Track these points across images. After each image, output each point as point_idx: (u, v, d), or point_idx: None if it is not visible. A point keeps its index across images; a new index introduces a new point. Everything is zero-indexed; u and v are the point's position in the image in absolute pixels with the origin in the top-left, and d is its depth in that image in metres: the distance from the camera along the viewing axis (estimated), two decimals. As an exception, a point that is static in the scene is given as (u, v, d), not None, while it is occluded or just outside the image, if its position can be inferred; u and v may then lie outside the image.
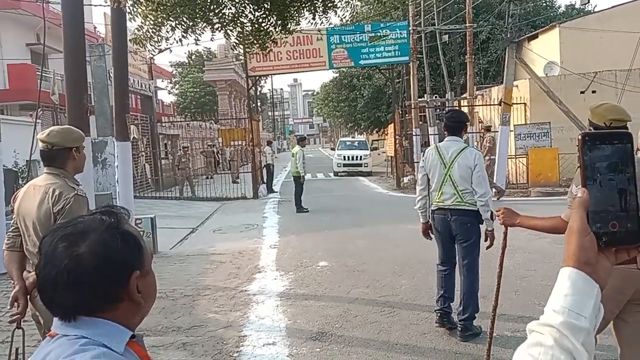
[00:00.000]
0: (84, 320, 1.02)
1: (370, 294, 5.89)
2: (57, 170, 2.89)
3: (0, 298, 6.13)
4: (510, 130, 14.51)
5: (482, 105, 18.24)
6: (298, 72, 20.81)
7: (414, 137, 18.33)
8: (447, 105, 19.90)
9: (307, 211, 12.62)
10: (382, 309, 5.35)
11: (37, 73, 18.87)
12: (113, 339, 1.02)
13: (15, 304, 2.79)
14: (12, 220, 3.00)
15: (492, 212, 4.36)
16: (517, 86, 15.41)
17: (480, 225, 4.51)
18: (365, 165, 24.37)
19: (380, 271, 6.77)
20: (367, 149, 26.28)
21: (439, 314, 4.69)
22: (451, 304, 4.68)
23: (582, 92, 15.13)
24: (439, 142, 5.09)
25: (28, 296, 2.81)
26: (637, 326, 2.80)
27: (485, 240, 4.53)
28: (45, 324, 2.77)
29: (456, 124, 4.66)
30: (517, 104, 15.23)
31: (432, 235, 4.78)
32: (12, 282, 2.90)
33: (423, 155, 4.88)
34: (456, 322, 4.59)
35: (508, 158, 14.62)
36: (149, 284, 1.12)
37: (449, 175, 4.48)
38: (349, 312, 5.28)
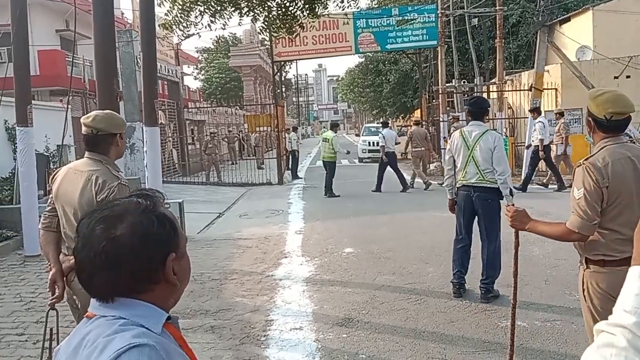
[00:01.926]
0: (121, 301, 1.04)
1: (396, 281, 5.86)
2: (99, 156, 2.85)
3: (34, 280, 6.30)
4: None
5: (512, 90, 17.87)
6: (324, 57, 20.63)
7: (441, 123, 18.09)
8: (475, 90, 19.57)
9: (338, 196, 12.72)
10: (409, 296, 5.33)
11: (67, 59, 19.19)
12: (150, 320, 1.04)
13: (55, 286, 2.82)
14: (49, 200, 3.00)
15: (510, 189, 4.91)
16: (548, 71, 15.03)
17: (500, 200, 4.97)
18: (391, 151, 24.17)
19: (407, 258, 6.73)
20: (393, 135, 26.02)
21: (456, 287, 5.17)
22: (464, 275, 5.21)
23: (615, 78, 14.66)
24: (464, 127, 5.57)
25: (65, 279, 2.83)
26: None
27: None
28: (82, 308, 2.78)
29: (479, 109, 5.17)
30: (548, 89, 14.86)
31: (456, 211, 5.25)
32: (48, 263, 2.93)
33: (450, 138, 5.43)
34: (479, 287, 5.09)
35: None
36: (184, 266, 1.13)
37: (472, 157, 4.96)
38: (375, 299, 5.27)
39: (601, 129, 2.57)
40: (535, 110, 12.55)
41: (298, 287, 5.87)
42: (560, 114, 12.62)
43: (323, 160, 13.33)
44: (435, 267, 6.27)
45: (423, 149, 13.86)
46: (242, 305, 5.25)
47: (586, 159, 2.55)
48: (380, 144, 13.56)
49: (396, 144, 13.86)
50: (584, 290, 2.61)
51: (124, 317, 1.01)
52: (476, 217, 5.12)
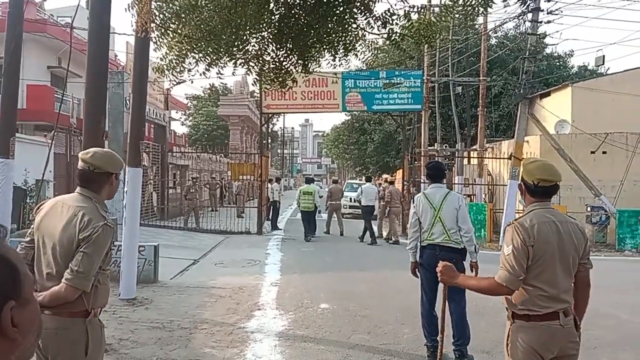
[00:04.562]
0: None
1: (371, 340, 5.76)
2: (90, 193, 2.77)
3: None
4: (519, 185, 14.49)
5: (492, 158, 18.32)
6: (311, 112, 21.14)
7: (422, 185, 18.34)
8: (457, 155, 19.99)
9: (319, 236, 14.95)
10: (383, 357, 5.22)
11: (55, 95, 19.23)
12: None
13: None
14: (29, 231, 2.89)
15: (475, 246, 5.06)
16: (527, 141, 15.50)
17: (464, 262, 5.02)
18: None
19: (383, 318, 6.65)
20: (374, 193, 26.22)
21: (430, 350, 5.10)
22: (436, 337, 5.12)
23: (592, 152, 15.19)
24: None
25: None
26: None
27: (472, 271, 4.99)
28: (44, 349, 2.64)
29: (438, 172, 5.46)
30: (527, 159, 15.27)
31: (419, 274, 5.31)
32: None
33: (413, 202, 5.47)
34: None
35: (516, 213, 14.53)
36: (28, 315, 0.94)
37: (439, 217, 5.09)
38: (349, 358, 5.16)
39: (530, 193, 2.79)
40: (367, 179, 17.75)
41: (270, 341, 5.72)
42: (391, 183, 16.06)
43: (308, 211, 15.18)
44: (410, 328, 6.18)
45: (338, 202, 17.01)
46: (210, 357, 5.09)
47: (516, 220, 2.75)
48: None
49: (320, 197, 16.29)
50: (507, 344, 2.76)
51: None
52: None
